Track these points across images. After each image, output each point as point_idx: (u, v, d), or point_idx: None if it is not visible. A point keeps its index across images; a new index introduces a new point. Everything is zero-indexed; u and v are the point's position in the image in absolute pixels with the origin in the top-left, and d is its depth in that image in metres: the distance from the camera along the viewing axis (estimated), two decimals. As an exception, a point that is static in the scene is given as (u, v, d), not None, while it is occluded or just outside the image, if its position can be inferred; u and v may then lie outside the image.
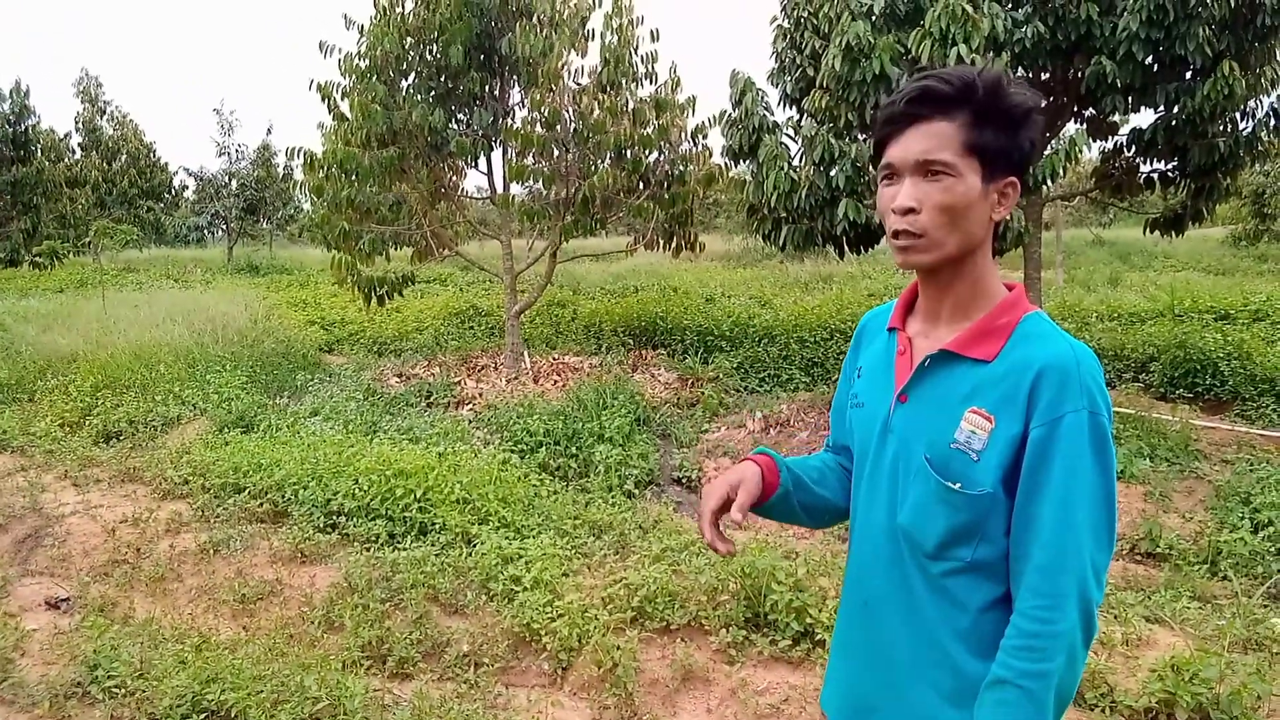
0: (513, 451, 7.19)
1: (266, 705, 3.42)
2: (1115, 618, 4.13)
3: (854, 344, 1.80)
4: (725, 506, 1.67)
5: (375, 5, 9.82)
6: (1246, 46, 7.49)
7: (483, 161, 10.68)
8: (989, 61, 6.79)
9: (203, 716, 3.43)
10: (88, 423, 7.96)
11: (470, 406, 9.09)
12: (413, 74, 10.07)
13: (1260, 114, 8.10)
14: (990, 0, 6.91)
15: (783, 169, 7.93)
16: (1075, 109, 8.53)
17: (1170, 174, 8.68)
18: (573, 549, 5.06)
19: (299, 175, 10.19)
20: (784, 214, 8.21)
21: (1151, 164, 8.80)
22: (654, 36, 9.67)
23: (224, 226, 32.24)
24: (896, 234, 1.49)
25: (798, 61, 8.66)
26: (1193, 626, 4.06)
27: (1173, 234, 9.22)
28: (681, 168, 9.72)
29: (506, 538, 5.09)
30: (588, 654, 3.96)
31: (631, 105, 9.37)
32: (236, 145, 30.84)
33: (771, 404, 8.85)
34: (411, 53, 9.89)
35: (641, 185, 9.78)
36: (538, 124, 9.35)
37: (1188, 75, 7.67)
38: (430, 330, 12.94)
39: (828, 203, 7.81)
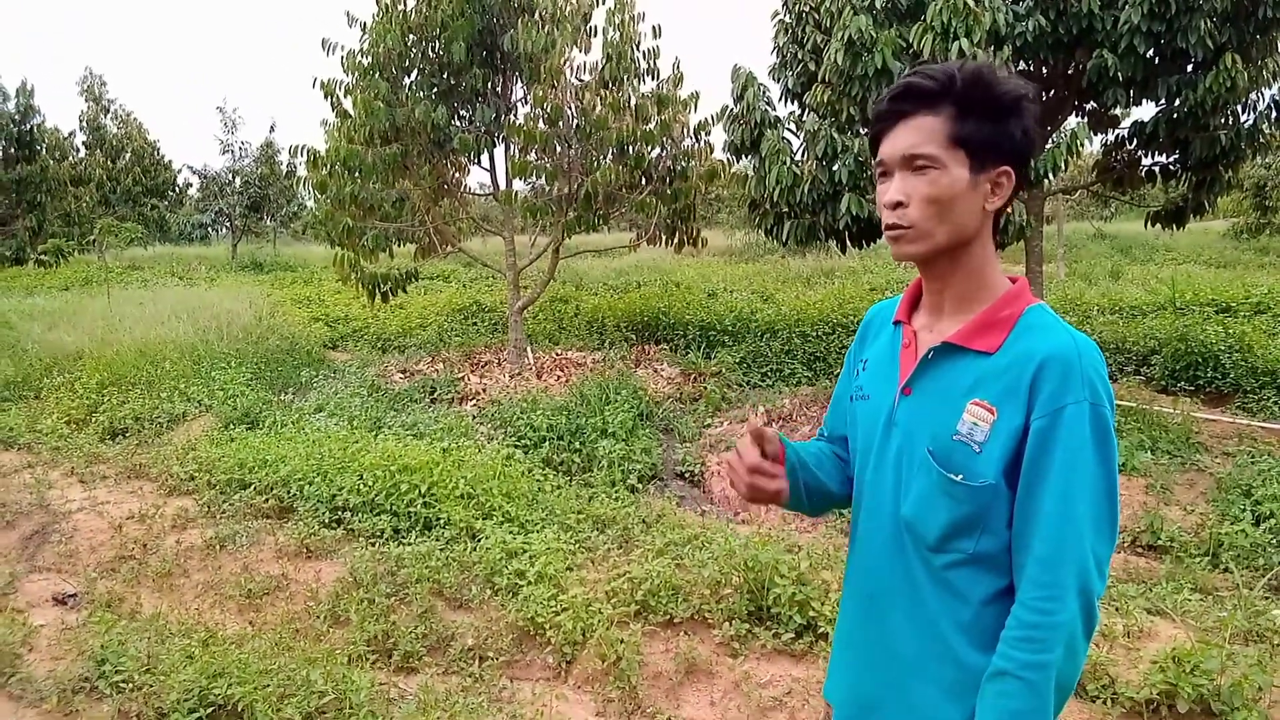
0: (516, 447, 7.22)
1: (273, 699, 3.44)
2: (1117, 609, 4.14)
3: (859, 337, 1.81)
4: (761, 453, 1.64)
5: (377, 2, 9.83)
6: (1248, 39, 7.48)
7: (485, 158, 10.70)
8: (990, 55, 6.80)
9: (210, 710, 3.46)
10: (94, 420, 7.99)
11: (474, 402, 9.12)
12: (415, 71, 10.08)
13: (1261, 106, 8.09)
14: (991, -6, 6.91)
15: (785, 164, 7.93)
16: (1077, 102, 8.53)
17: (1171, 167, 8.68)
18: (576, 543, 5.09)
19: (302, 172, 10.20)
20: (786, 209, 8.22)
21: (1153, 157, 8.79)
22: (656, 33, 9.68)
23: (228, 224, 32.28)
24: (889, 227, 1.52)
25: (799, 56, 8.65)
26: (1194, 618, 4.08)
27: (1174, 227, 9.22)
28: (684, 163, 9.72)
29: (511, 532, 5.12)
30: (592, 647, 3.98)
31: (634, 101, 9.37)
32: (240, 143, 30.93)
33: (774, 398, 8.86)
34: (414, 49, 9.90)
35: (644, 181, 9.79)
36: (540, 120, 9.36)
37: (1189, 68, 7.66)
38: (434, 326, 12.96)
39: (830, 197, 7.82)
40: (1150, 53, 7.45)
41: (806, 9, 8.44)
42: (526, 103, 10.12)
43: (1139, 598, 4.35)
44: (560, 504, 5.76)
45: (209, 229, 37.68)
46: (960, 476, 1.46)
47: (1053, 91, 8.43)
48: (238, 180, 30.91)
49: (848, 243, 8.31)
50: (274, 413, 7.92)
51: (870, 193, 7.56)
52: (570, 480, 6.70)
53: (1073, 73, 8.03)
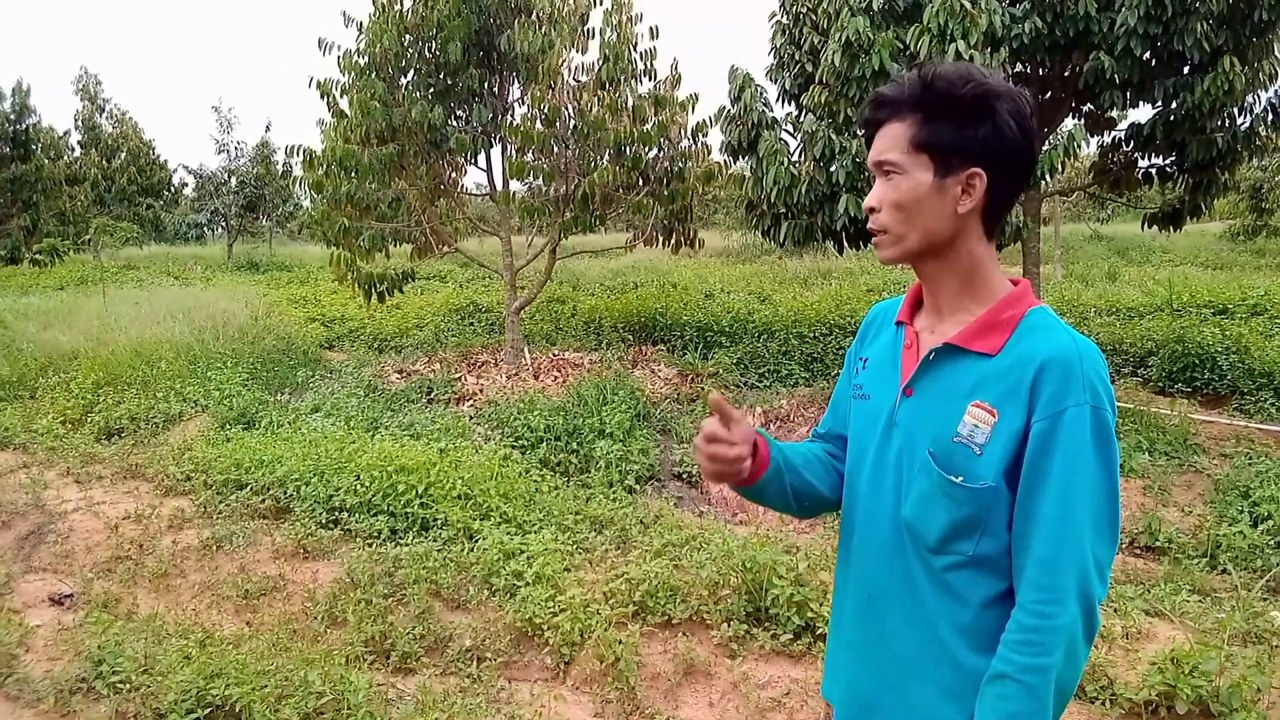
0: (514, 447, 7.21)
1: (270, 700, 3.44)
2: (1115, 611, 4.14)
3: (860, 336, 1.80)
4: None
5: (374, 2, 9.81)
6: (1244, 41, 7.50)
7: (482, 158, 10.68)
8: (987, 57, 6.81)
9: (207, 711, 3.45)
10: (89, 420, 7.97)
11: (471, 403, 9.11)
12: (412, 71, 10.07)
13: (1258, 109, 8.11)
14: (989, -4, 6.92)
15: (782, 164, 7.94)
16: (1074, 104, 8.55)
17: (1168, 169, 8.70)
18: (574, 544, 5.08)
19: (298, 172, 10.18)
20: (783, 209, 8.22)
21: (1149, 159, 8.81)
22: (653, 34, 9.67)
23: (224, 224, 32.20)
24: (869, 232, 1.57)
25: (797, 57, 8.67)
26: (1192, 619, 4.08)
27: (1171, 229, 9.25)
28: (681, 164, 9.72)
29: (508, 533, 5.11)
30: (590, 648, 3.98)
31: (631, 102, 9.37)
32: (236, 142, 30.79)
33: (771, 399, 8.86)
34: (410, 50, 9.88)
35: (641, 182, 9.78)
36: (537, 121, 9.34)
37: (1186, 71, 7.68)
38: (430, 327, 12.94)
39: (827, 198, 7.83)
40: (1147, 55, 7.48)
41: (804, 10, 8.45)
42: (523, 103, 10.11)
43: (1137, 599, 4.35)
44: (558, 505, 5.75)
45: (204, 229, 37.62)
46: (961, 479, 1.45)
47: (1049, 93, 8.45)
48: (233, 180, 30.85)
49: (845, 244, 8.32)
50: (270, 413, 7.90)
51: (867, 194, 7.56)
52: (568, 481, 6.70)
53: (1069, 75, 8.05)
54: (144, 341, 9.93)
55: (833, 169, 7.65)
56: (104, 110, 31.90)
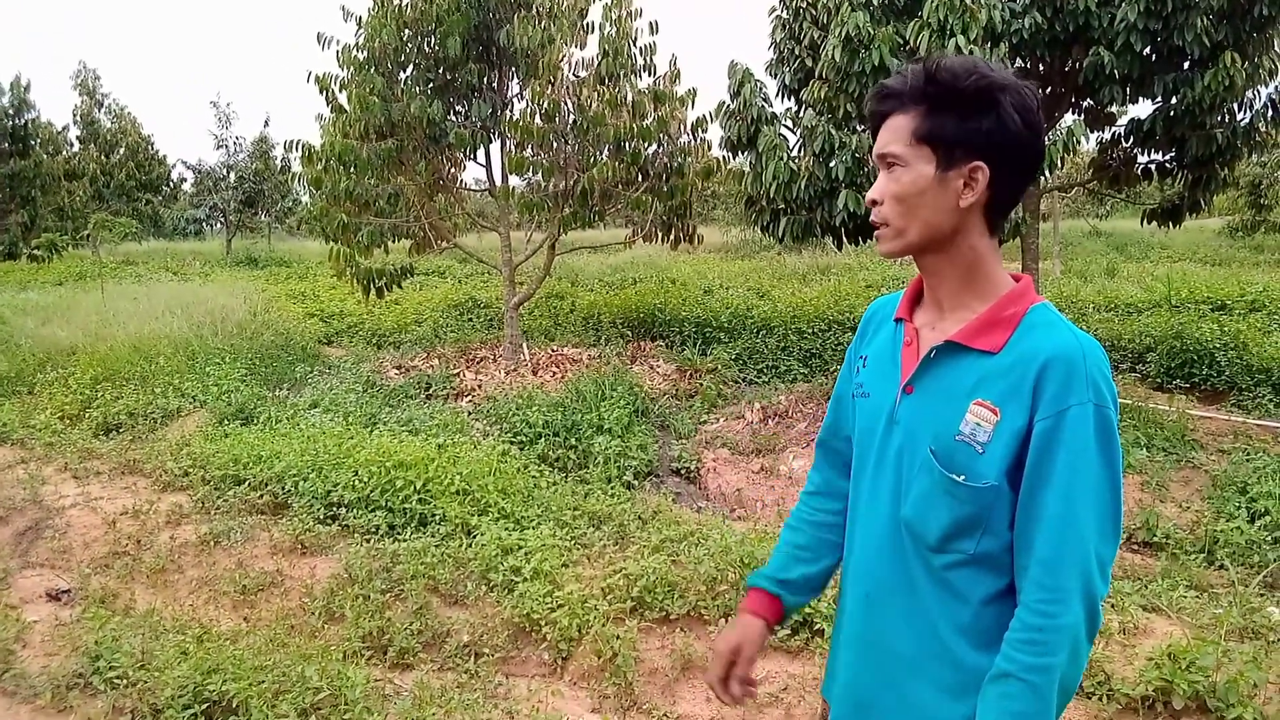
0: (512, 443, 7.21)
1: (268, 695, 3.43)
2: (1113, 606, 4.14)
3: (859, 333, 1.79)
4: (729, 669, 1.77)
5: (373, -3, 9.81)
6: (1244, 37, 7.48)
7: (481, 154, 10.67)
8: (987, 52, 6.79)
9: (204, 707, 3.44)
10: (87, 415, 7.96)
11: (469, 398, 9.11)
12: (411, 66, 10.05)
13: (1258, 105, 8.10)
14: (988, -9, 6.90)
15: (781, 160, 7.93)
16: (1073, 99, 8.54)
17: (1168, 165, 8.69)
18: (572, 540, 5.08)
19: (297, 167, 10.18)
20: (783, 205, 8.21)
21: (1149, 155, 8.80)
22: (653, 29, 9.66)
23: (222, 219, 32.15)
24: (872, 225, 1.55)
25: (796, 52, 8.64)
26: (1190, 615, 4.08)
27: (1170, 225, 9.23)
28: (680, 160, 9.72)
29: (506, 529, 5.11)
30: (587, 644, 3.98)
31: (630, 97, 9.36)
32: (234, 138, 30.73)
33: (770, 395, 8.86)
34: (409, 44, 9.87)
35: (640, 178, 9.77)
36: (536, 116, 9.34)
37: (1185, 66, 7.66)
38: (429, 322, 12.94)
39: (827, 194, 7.81)
40: (1147, 50, 7.46)
41: (803, 5, 8.43)
42: (523, 98, 10.10)
43: (1135, 595, 4.34)
44: (556, 500, 5.75)
45: (203, 224, 37.54)
46: (963, 477, 1.44)
47: (1049, 89, 8.43)
48: (232, 175, 30.78)
49: (844, 239, 8.31)
50: (269, 408, 7.89)
51: (867, 189, 7.55)
52: (566, 476, 6.69)
53: (1069, 70, 8.03)
54: (142, 337, 9.91)
55: (832, 164, 7.64)
56: (102, 105, 31.84)
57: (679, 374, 9.98)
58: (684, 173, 9.68)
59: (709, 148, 9.82)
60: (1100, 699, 3.39)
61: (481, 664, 3.93)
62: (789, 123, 8.67)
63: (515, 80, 10.60)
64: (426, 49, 9.94)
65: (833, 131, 7.59)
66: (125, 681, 3.65)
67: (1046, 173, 7.32)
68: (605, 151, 9.49)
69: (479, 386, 9.43)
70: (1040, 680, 1.37)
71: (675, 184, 9.66)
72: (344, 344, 12.45)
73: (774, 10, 8.94)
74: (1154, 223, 9.33)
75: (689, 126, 9.77)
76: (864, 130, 7.71)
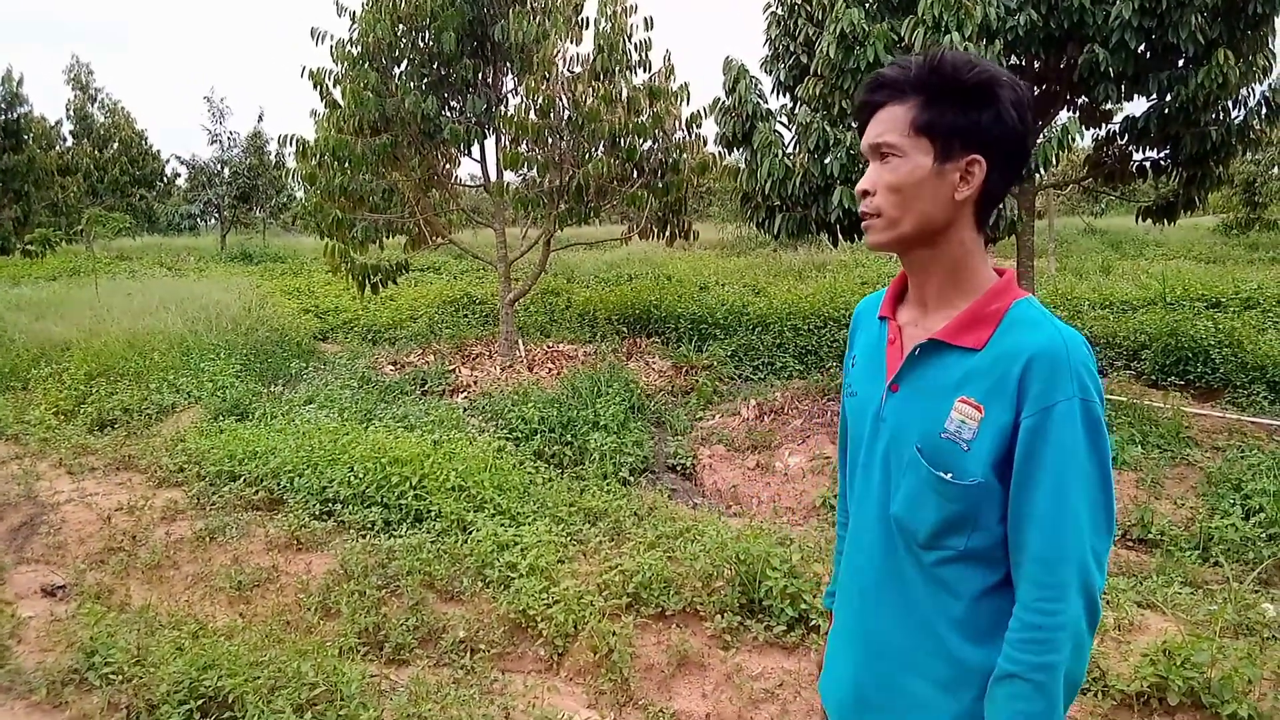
0: (508, 439, 7.20)
1: (263, 691, 3.43)
2: (1108, 603, 4.15)
3: (851, 333, 1.81)
4: None
5: (367, -9, 9.77)
6: (1238, 34, 7.49)
7: (476, 149, 10.66)
8: (982, 49, 6.79)
9: (200, 703, 3.44)
10: (82, 411, 7.94)
11: (465, 394, 9.10)
12: (405, 61, 10.03)
13: (1252, 103, 8.11)
14: (984, -13, 6.90)
15: (777, 156, 7.92)
16: (1068, 97, 8.53)
17: (1162, 162, 8.70)
18: (568, 536, 5.08)
19: (291, 163, 10.14)
20: (778, 201, 8.20)
21: (1144, 152, 8.81)
22: (648, 24, 9.65)
23: (217, 214, 32.10)
24: (860, 216, 1.55)
25: (791, 49, 8.64)
26: (1184, 612, 4.09)
27: (1165, 222, 9.25)
28: (675, 156, 9.71)
29: (502, 525, 5.11)
30: (583, 640, 3.98)
31: (625, 93, 9.35)
32: (228, 133, 30.67)
33: (766, 391, 8.86)
34: (404, 39, 9.84)
35: (635, 173, 9.77)
36: (531, 111, 9.32)
37: (1180, 63, 7.67)
38: (424, 318, 12.92)
39: (822, 190, 7.81)
40: (1142, 48, 7.46)
41: (799, 1, 8.42)
42: (518, 94, 10.09)
43: (1130, 591, 4.36)
44: (552, 496, 5.75)
45: (197, 219, 37.42)
46: (950, 475, 1.45)
47: (1044, 86, 8.44)
48: (226, 170, 30.74)
49: (839, 236, 8.30)
50: (264, 404, 7.88)
51: (862, 186, 7.54)
52: (562, 473, 6.69)
53: (1064, 67, 8.03)
54: (137, 333, 9.89)
55: (827, 161, 7.63)
56: (96, 100, 31.73)
57: (675, 370, 9.99)
58: (679, 169, 9.67)
59: (704, 143, 9.82)
60: (1096, 695, 3.40)
61: (477, 660, 3.93)
62: (784, 119, 8.66)
63: (510, 76, 10.58)
64: (421, 44, 9.92)
65: (828, 128, 7.58)
66: (121, 677, 3.64)
67: (1041, 170, 7.31)
68: (600, 147, 9.47)
69: (474, 383, 9.42)
70: (1046, 678, 1.37)
71: (670, 180, 9.66)
72: (339, 340, 12.44)
73: (769, 6, 8.93)
74: (1149, 220, 9.35)
75: (684, 122, 9.76)
76: (857, 119, 7.70)
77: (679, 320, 11.68)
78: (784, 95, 9.04)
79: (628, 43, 9.44)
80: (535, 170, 9.69)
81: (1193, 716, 3.31)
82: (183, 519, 5.50)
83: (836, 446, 1.93)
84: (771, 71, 9.00)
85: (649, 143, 9.63)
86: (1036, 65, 8.26)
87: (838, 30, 7.15)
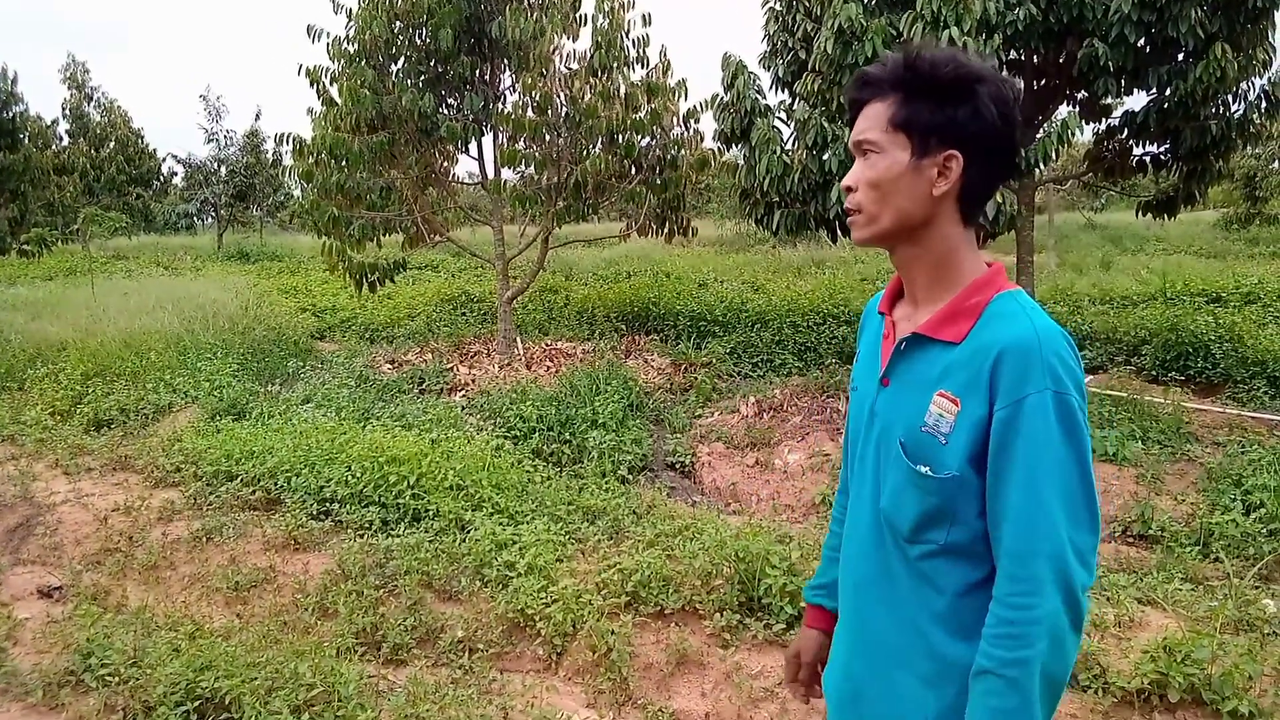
0: (506, 437, 7.18)
1: (260, 692, 3.41)
2: (1108, 599, 4.14)
3: (859, 330, 1.83)
4: (795, 673, 2.00)
5: (363, -12, 9.74)
6: (1238, 28, 7.47)
7: (473, 147, 10.63)
8: (981, 43, 6.77)
9: (197, 704, 3.42)
10: (78, 411, 7.92)
11: (463, 393, 9.08)
12: (402, 58, 10.00)
13: (1252, 96, 8.10)
14: (983, -18, 6.88)
15: (775, 152, 7.90)
16: (1068, 91, 8.52)
17: (1162, 157, 8.69)
18: (567, 534, 5.06)
19: (288, 161, 10.11)
20: (777, 198, 8.19)
21: (1144, 147, 8.80)
22: (646, 20, 9.62)
23: (213, 213, 32.05)
24: (845, 212, 1.56)
25: (790, 44, 8.62)
26: (1185, 608, 4.08)
27: (1165, 217, 9.24)
28: (674, 152, 9.68)
29: (500, 524, 5.09)
30: (582, 639, 3.96)
31: (623, 89, 9.32)
32: (225, 131, 30.61)
33: (765, 389, 8.84)
34: (400, 37, 9.81)
35: (634, 170, 9.74)
36: (529, 109, 9.29)
37: (1180, 57, 7.66)
38: (422, 317, 12.90)
39: (820, 186, 7.79)
40: (1141, 42, 7.45)
41: (797, -3, 8.41)
42: (515, 91, 10.06)
43: (1130, 587, 4.35)
44: (550, 495, 5.73)
45: (194, 218, 37.34)
46: (927, 469, 1.46)
47: (1044, 81, 8.42)
48: (223, 169, 30.68)
49: (838, 232, 8.29)
50: (261, 404, 7.86)
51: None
52: (560, 471, 6.67)
53: (1064, 62, 8.02)
54: (133, 332, 9.87)
55: (825, 157, 7.61)
56: (92, 99, 31.69)
57: (673, 368, 9.96)
58: (678, 165, 9.65)
59: (702, 140, 9.80)
60: (1096, 692, 3.39)
61: (476, 660, 3.92)
62: (783, 115, 8.65)
63: (507, 73, 10.55)
64: (418, 41, 9.89)
65: (826, 124, 7.56)
66: (117, 679, 3.63)
67: (1041, 165, 7.30)
68: (598, 144, 9.44)
69: (473, 381, 9.40)
70: (1019, 674, 1.36)
71: (669, 176, 9.63)
72: (337, 339, 12.41)
73: (768, 2, 8.91)
74: (1149, 215, 9.33)
75: (681, 118, 9.73)
76: (848, 116, 7.68)
77: (678, 317, 11.66)
78: (782, 91, 9.03)
79: (625, 39, 9.42)
80: (533, 167, 9.66)
81: (1193, 713, 3.30)
82: (179, 519, 5.48)
83: (836, 443, 1.95)
84: (770, 67, 8.99)
85: (647, 139, 9.61)
86: (1036, 59, 8.25)
87: (836, 26, 7.13)
